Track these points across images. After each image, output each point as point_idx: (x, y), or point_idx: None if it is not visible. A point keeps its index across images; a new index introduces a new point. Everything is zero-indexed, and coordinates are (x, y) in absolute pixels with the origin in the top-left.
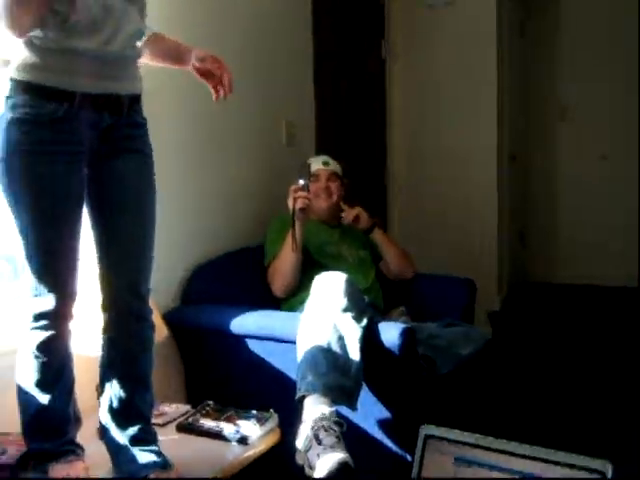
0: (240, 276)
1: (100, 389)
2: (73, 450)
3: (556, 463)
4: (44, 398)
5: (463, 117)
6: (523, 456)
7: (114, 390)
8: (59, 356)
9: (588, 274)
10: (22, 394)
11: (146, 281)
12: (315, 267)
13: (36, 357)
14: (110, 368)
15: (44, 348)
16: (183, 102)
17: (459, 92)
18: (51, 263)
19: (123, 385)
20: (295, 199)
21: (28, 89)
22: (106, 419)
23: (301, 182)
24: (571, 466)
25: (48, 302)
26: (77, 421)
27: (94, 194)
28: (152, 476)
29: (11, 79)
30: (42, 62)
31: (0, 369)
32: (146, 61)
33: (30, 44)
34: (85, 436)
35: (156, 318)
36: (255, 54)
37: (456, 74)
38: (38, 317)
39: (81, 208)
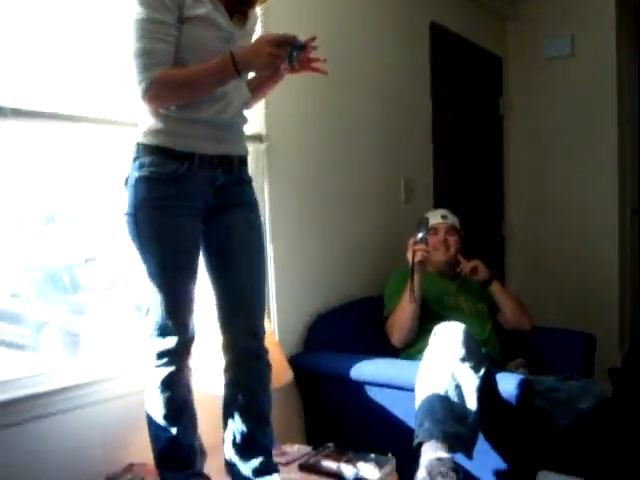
0: (360, 325)
1: (223, 426)
2: None
3: None
4: (172, 431)
5: (583, 169)
6: None
7: (236, 425)
8: (182, 391)
9: None
10: (152, 428)
11: (261, 323)
12: (433, 318)
13: (161, 392)
14: (232, 405)
15: (168, 383)
16: (308, 156)
17: (578, 143)
18: (173, 306)
19: (244, 420)
20: (414, 252)
21: (154, 151)
22: (230, 454)
23: (420, 235)
24: None
25: (170, 341)
26: (202, 454)
27: (209, 245)
28: None
29: (138, 143)
30: (166, 128)
31: (134, 406)
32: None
33: (156, 113)
34: (211, 471)
35: (282, 362)
36: (377, 116)
37: (575, 125)
38: (161, 355)
39: (198, 258)
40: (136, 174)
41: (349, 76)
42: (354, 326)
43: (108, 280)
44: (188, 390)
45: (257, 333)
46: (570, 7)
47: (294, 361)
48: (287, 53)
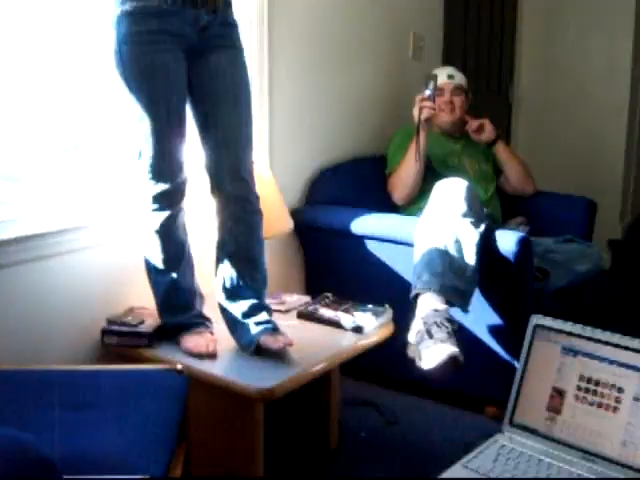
0: (363, 182)
1: (215, 269)
2: (202, 322)
3: None
4: (171, 275)
5: (597, 35)
6: (634, 350)
7: (225, 270)
8: (179, 234)
9: None
10: (151, 273)
11: (245, 165)
12: (436, 178)
13: (159, 237)
14: (221, 249)
15: (164, 227)
16: (311, 3)
17: (594, 8)
18: (165, 147)
19: (232, 265)
20: (420, 109)
21: None
22: (220, 298)
23: (427, 92)
24: None
25: (164, 184)
26: (201, 297)
27: (193, 86)
28: (261, 340)
29: None
30: None
31: (133, 251)
32: None
33: None
34: (210, 314)
35: (282, 210)
36: None
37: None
38: (156, 199)
39: (185, 97)
40: (119, 9)
41: None
42: (357, 183)
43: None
44: (184, 233)
45: (241, 175)
46: None
47: (296, 214)
48: None
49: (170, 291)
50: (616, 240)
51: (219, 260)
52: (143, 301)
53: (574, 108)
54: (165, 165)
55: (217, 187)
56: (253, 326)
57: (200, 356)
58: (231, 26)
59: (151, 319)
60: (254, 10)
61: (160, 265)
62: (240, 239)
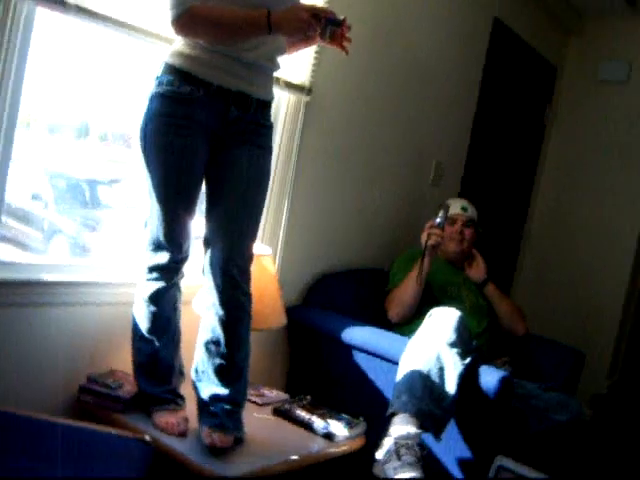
0: (362, 293)
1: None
2: (174, 400)
3: None
4: (153, 345)
5: (611, 196)
6: None
7: (198, 353)
8: (167, 308)
9: None
10: (135, 339)
11: (244, 256)
12: (432, 304)
13: (147, 306)
14: (201, 330)
15: (155, 298)
16: (346, 118)
17: (613, 171)
18: (171, 223)
19: (205, 351)
20: (429, 235)
21: (175, 72)
22: (194, 376)
23: (437, 220)
24: None
25: (162, 257)
26: (181, 374)
27: (210, 172)
28: (204, 432)
29: (164, 62)
30: (191, 53)
31: (125, 316)
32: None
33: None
34: (187, 396)
35: (278, 306)
36: (421, 96)
37: (615, 152)
38: (152, 269)
39: (199, 181)
40: (154, 90)
41: (401, 53)
42: (356, 292)
43: (127, 203)
44: (174, 308)
45: (237, 263)
46: (634, 34)
47: (290, 311)
48: (322, 25)
49: (149, 360)
50: (600, 395)
51: (201, 338)
52: (127, 366)
53: (581, 257)
54: (165, 240)
55: (209, 272)
56: (206, 416)
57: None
58: (264, 127)
59: (130, 386)
60: (289, 118)
61: (144, 333)
62: (217, 332)
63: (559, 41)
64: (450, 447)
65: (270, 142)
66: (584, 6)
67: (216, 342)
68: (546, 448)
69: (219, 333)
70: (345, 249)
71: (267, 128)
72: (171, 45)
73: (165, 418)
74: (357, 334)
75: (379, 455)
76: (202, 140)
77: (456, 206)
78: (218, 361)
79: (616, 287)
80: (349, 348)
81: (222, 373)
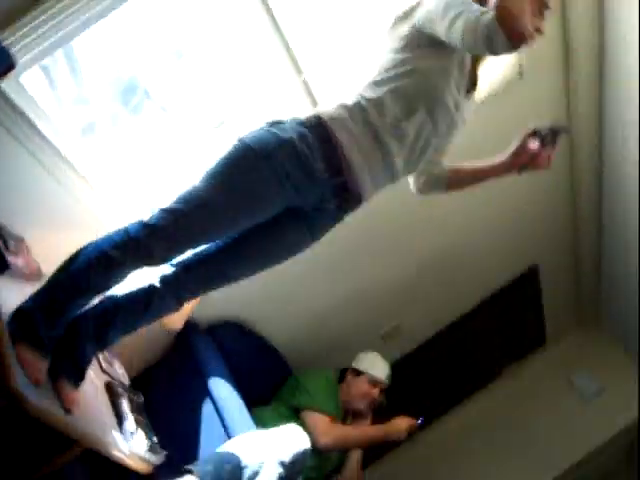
0: (256, 361)
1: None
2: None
3: None
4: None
5: None
6: None
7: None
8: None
9: None
10: (82, 264)
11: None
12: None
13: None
14: (128, 303)
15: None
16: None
17: None
18: (196, 241)
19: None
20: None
21: (324, 140)
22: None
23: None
24: None
25: (159, 248)
26: None
27: (263, 232)
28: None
29: (319, 117)
30: (355, 131)
31: None
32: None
33: (360, 109)
34: None
35: (185, 312)
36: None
37: None
38: (126, 244)
39: (245, 228)
40: (293, 136)
41: None
42: (252, 356)
43: None
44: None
45: (197, 296)
46: None
47: (189, 325)
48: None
49: (69, 291)
50: None
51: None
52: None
53: None
54: (176, 247)
55: (175, 283)
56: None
57: None
58: (335, 220)
59: (27, 265)
60: None
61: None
62: (143, 312)
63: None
64: None
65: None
66: None
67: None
68: None
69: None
70: (275, 318)
71: (336, 221)
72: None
73: (31, 359)
74: (222, 388)
75: None
76: (288, 204)
77: (382, 370)
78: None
79: None
80: (207, 392)
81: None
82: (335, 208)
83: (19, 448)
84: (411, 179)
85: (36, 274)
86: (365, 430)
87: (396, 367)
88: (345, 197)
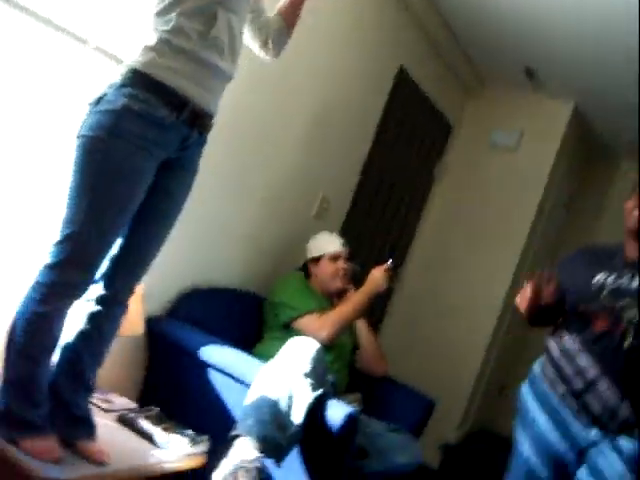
0: (229, 313)
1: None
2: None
3: None
4: (37, 364)
5: (484, 256)
6: None
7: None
8: (61, 327)
9: None
10: (13, 354)
11: (139, 281)
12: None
13: (42, 321)
14: (81, 340)
15: (52, 316)
16: (234, 137)
17: (489, 235)
18: (107, 245)
19: (85, 357)
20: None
21: (152, 88)
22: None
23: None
24: None
25: (77, 276)
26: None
27: (152, 201)
28: (79, 445)
29: (134, 69)
30: (173, 64)
31: None
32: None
33: (165, 43)
34: None
35: (138, 314)
36: (314, 131)
37: (494, 217)
38: (57, 285)
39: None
40: (124, 101)
41: (303, 88)
42: (219, 311)
43: None
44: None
45: (133, 289)
46: (529, 106)
47: (152, 321)
48: None
49: (26, 380)
50: (449, 445)
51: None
52: None
53: (450, 308)
54: (92, 260)
55: (105, 292)
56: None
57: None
58: (202, 145)
59: None
60: None
61: (29, 349)
62: (104, 336)
63: (459, 101)
64: (290, 475)
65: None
66: (487, 72)
67: (95, 353)
68: None
69: (99, 345)
70: (220, 265)
71: (203, 147)
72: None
73: (38, 444)
74: (214, 353)
75: (216, 477)
76: (158, 163)
77: (334, 243)
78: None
79: (477, 347)
80: (204, 365)
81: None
82: (197, 137)
83: None
84: (257, 49)
85: None
86: (350, 301)
87: (343, 231)
88: (199, 122)
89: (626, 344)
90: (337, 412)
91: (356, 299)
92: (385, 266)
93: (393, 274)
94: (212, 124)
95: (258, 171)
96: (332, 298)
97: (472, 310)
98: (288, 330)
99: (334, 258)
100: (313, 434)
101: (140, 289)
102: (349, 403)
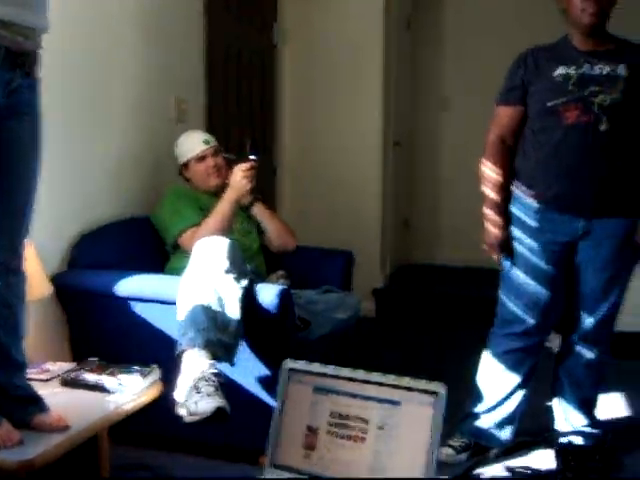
0: (124, 244)
1: None
2: None
3: (403, 387)
4: None
5: (349, 104)
6: (375, 383)
7: None
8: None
9: (467, 257)
10: None
11: (22, 240)
12: None
13: None
14: None
15: None
16: (69, 69)
17: (347, 79)
18: None
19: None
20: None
21: None
22: None
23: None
24: (414, 389)
25: None
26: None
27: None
28: (35, 421)
29: None
30: None
31: None
32: None
33: None
34: None
35: (39, 275)
36: (144, 30)
37: (344, 61)
38: None
39: None
40: None
41: None
42: (118, 245)
43: None
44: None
45: (18, 249)
46: None
47: (57, 279)
48: None
49: None
50: (379, 289)
51: None
52: None
53: (334, 172)
54: None
55: None
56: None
57: None
58: (37, 89)
59: None
60: None
61: None
62: (11, 307)
63: None
64: (247, 369)
65: (40, 104)
66: None
67: (8, 326)
68: (332, 347)
69: (7, 318)
70: (97, 203)
71: (39, 86)
72: None
73: None
74: (128, 285)
75: (178, 396)
76: None
77: (195, 143)
78: (15, 345)
79: (372, 190)
80: (124, 300)
81: (22, 359)
82: (24, 77)
83: None
84: None
85: None
86: (215, 212)
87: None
88: (21, 61)
89: (602, 127)
90: (268, 293)
91: (220, 208)
92: (244, 166)
93: (255, 171)
94: (36, 59)
95: (102, 94)
96: (219, 194)
97: (358, 159)
98: None
99: (200, 159)
100: (253, 323)
101: (32, 251)
102: (276, 282)
